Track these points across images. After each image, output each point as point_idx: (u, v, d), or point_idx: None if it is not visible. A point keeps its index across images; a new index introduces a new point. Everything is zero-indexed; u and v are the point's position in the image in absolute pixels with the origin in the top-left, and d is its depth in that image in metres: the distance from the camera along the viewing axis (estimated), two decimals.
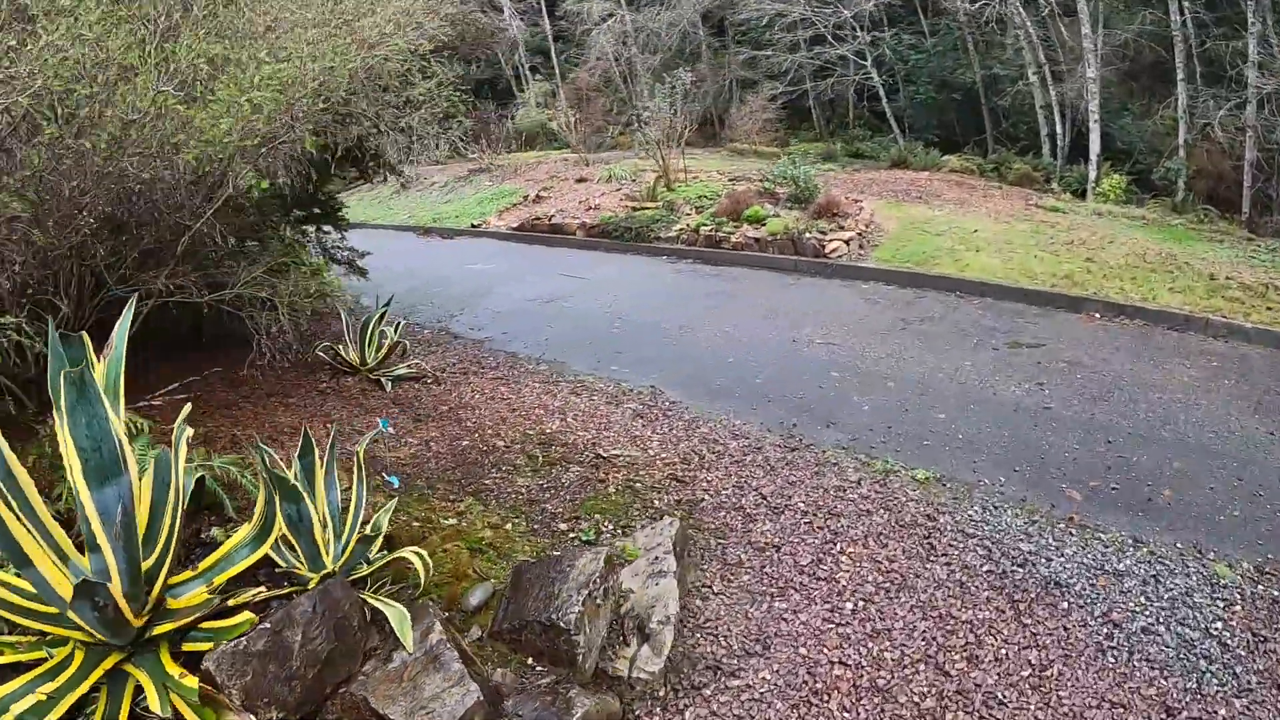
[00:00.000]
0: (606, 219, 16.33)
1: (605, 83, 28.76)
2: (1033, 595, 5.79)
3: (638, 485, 7.10)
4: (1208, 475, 7.11)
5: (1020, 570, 6.05)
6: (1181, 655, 5.27)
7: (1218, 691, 5.02)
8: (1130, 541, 6.30)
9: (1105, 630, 5.46)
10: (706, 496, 6.96)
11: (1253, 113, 15.99)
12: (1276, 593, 5.77)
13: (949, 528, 6.52)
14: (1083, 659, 5.25)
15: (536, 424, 8.32)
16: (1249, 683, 5.08)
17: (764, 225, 14.44)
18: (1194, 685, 5.06)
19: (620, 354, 10.38)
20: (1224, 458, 7.36)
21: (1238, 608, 5.65)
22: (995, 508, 6.76)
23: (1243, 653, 5.28)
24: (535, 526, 6.50)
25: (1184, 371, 9.03)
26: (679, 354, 10.34)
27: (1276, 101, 15.70)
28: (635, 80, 26.65)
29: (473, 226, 19.47)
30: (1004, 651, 5.33)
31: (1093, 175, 18.48)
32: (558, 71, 31.36)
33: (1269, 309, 10.18)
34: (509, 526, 6.44)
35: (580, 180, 20.39)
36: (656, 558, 5.69)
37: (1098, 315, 10.73)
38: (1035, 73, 20.32)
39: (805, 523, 6.60)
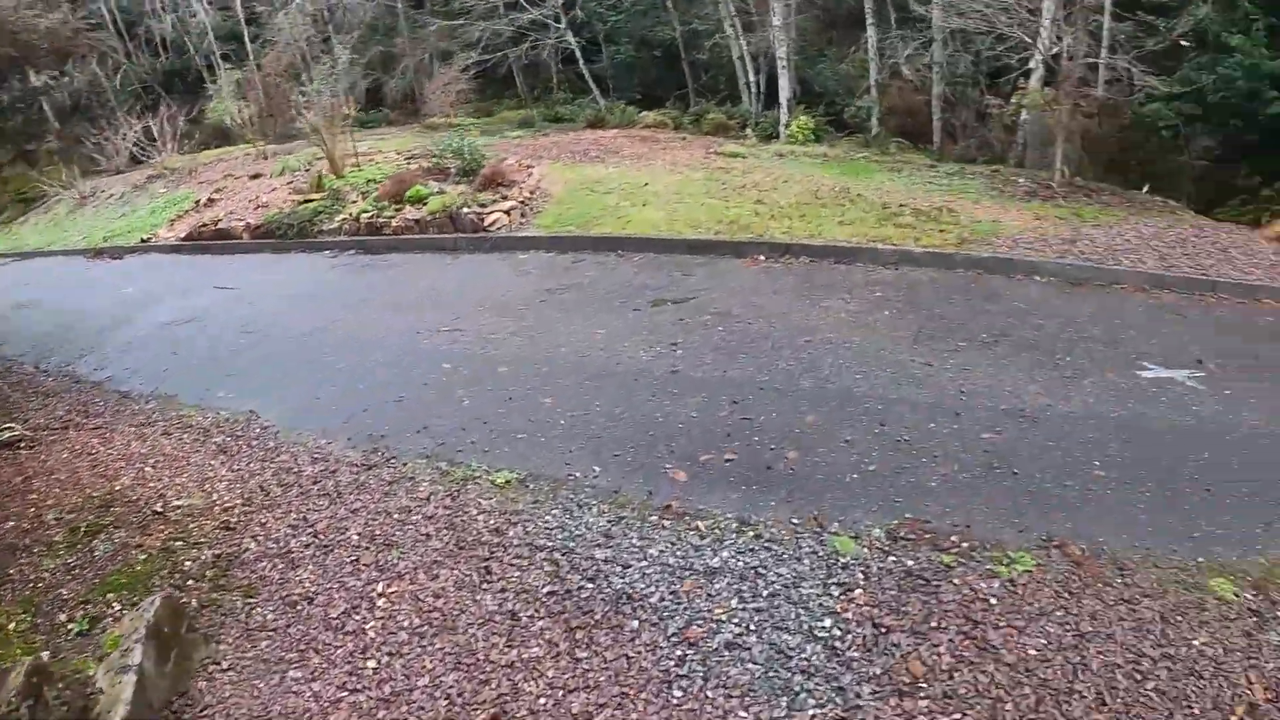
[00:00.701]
0: (271, 217, 16.14)
1: (290, 68, 27.38)
2: (597, 618, 4.84)
3: (178, 545, 6.19)
4: (845, 426, 6.41)
5: (589, 586, 5.10)
6: (771, 672, 4.35)
7: (814, 715, 4.02)
8: (734, 526, 5.46)
9: (679, 653, 4.52)
10: (254, 544, 6.11)
11: (938, 50, 17.14)
12: (911, 561, 5.03)
13: (516, 542, 5.57)
14: (643, 697, 4.29)
15: (110, 482, 7.33)
16: (858, 696, 4.18)
17: (425, 204, 14.49)
18: (781, 713, 4.04)
19: (233, 376, 9.34)
20: (869, 401, 6.74)
21: (858, 592, 4.82)
22: (579, 507, 5.86)
23: (856, 654, 4.42)
24: (39, 621, 5.62)
25: (843, 307, 8.55)
26: (297, 365, 9.35)
27: (959, 39, 16.82)
28: (322, 63, 25.65)
29: (143, 241, 17.97)
30: (544, 701, 4.37)
31: (784, 119, 19.16)
32: (251, 59, 29.42)
33: (941, 231, 10.02)
34: (12, 626, 5.58)
35: (255, 177, 20.25)
36: (128, 649, 4.84)
37: (762, 258, 10.20)
38: (731, 25, 21.22)
39: (352, 560, 5.71)
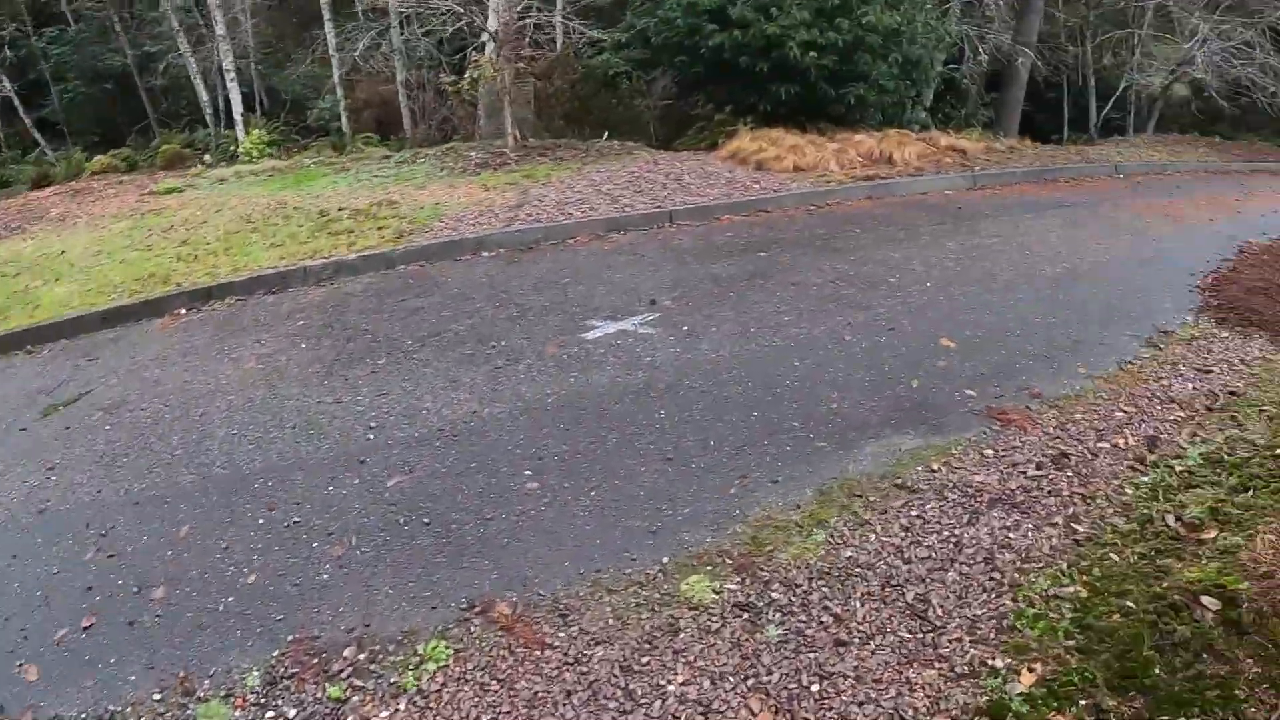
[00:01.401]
0: None
1: None
2: None
3: None
4: (228, 526, 4.82)
5: None
6: None
7: None
8: None
9: None
10: None
11: (395, 36, 16.92)
12: (294, 710, 3.58)
13: None
14: None
15: None
16: None
17: None
18: None
19: None
20: (261, 479, 5.19)
21: None
22: None
23: None
24: None
25: (254, 353, 6.95)
26: None
27: (417, 22, 16.57)
28: None
29: None
30: None
31: (241, 136, 17.69)
32: None
33: (379, 229, 8.81)
34: None
35: None
36: None
37: (182, 311, 8.38)
38: (183, 42, 19.36)
39: None
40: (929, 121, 14.33)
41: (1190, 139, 16.95)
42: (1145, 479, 4.91)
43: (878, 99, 12.31)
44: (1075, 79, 17.74)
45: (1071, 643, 3.53)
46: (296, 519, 4.70)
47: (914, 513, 4.46)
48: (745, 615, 3.75)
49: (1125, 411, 5.67)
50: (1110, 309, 7.32)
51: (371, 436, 5.32)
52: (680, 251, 7.91)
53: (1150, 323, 7.19)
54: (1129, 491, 4.77)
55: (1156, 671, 3.29)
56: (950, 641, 3.55)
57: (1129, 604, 3.72)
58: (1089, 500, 4.65)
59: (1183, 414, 5.76)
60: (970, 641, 3.54)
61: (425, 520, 4.49)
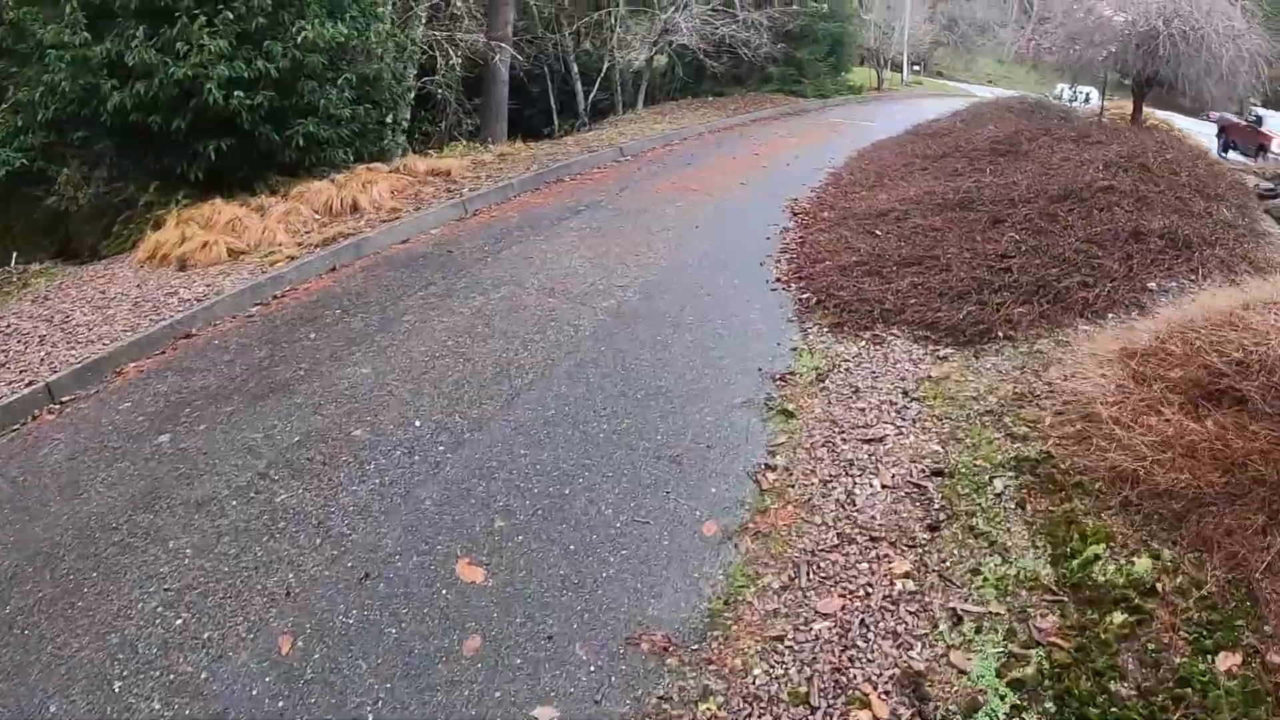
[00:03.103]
0: None
1: None
2: None
3: None
4: None
5: None
6: None
7: None
8: None
9: None
10: None
11: None
12: None
13: None
14: None
15: None
16: None
17: None
18: None
19: None
20: None
21: None
22: None
23: None
24: None
25: None
26: None
27: None
28: None
29: None
30: None
31: None
32: None
33: None
34: None
35: None
36: None
37: None
38: None
39: None
40: (409, 146, 11.14)
41: (685, 103, 15.64)
42: None
43: (334, 133, 8.90)
44: (558, 68, 15.73)
45: None
46: None
47: None
48: None
49: (825, 616, 2.76)
50: (692, 363, 4.56)
51: None
52: (40, 485, 3.89)
53: (754, 365, 4.56)
54: None
55: None
56: None
57: None
58: None
59: (896, 555, 3.04)
60: None
61: None
